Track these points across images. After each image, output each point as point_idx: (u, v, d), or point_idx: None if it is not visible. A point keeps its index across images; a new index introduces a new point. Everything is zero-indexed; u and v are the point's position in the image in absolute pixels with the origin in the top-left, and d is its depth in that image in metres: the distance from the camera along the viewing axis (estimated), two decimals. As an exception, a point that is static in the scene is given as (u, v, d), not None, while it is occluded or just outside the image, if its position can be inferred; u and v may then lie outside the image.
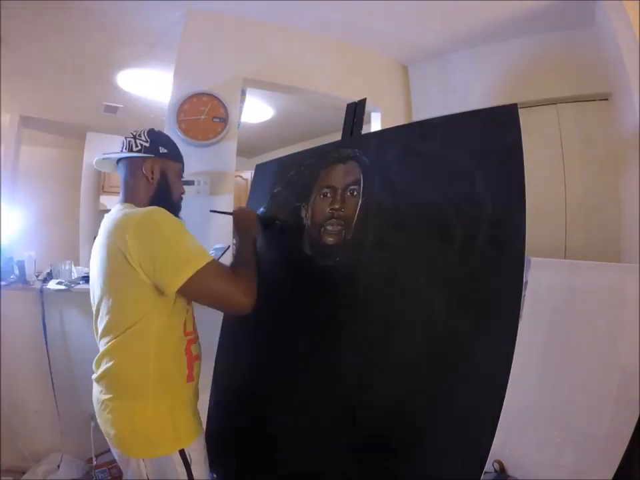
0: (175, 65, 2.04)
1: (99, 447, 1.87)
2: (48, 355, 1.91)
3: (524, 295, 1.01)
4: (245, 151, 4.45)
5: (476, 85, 2.32)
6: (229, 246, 1.12)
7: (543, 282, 1.48)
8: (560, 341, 1.43)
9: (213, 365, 1.37)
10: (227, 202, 2.00)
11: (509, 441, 1.35)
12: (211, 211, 1.35)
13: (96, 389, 0.98)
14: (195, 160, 1.83)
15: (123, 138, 1.05)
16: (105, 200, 4.01)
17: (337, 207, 1.11)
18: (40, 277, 2.12)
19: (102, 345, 0.95)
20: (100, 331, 0.95)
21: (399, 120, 2.48)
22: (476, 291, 0.81)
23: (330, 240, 1.11)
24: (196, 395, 1.04)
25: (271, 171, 1.45)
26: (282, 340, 1.19)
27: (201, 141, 1.94)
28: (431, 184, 0.93)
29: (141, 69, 2.68)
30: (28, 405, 1.93)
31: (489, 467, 1.46)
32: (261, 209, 1.32)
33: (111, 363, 0.92)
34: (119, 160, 1.06)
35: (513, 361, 0.71)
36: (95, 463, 1.86)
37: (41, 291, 1.90)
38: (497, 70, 2.26)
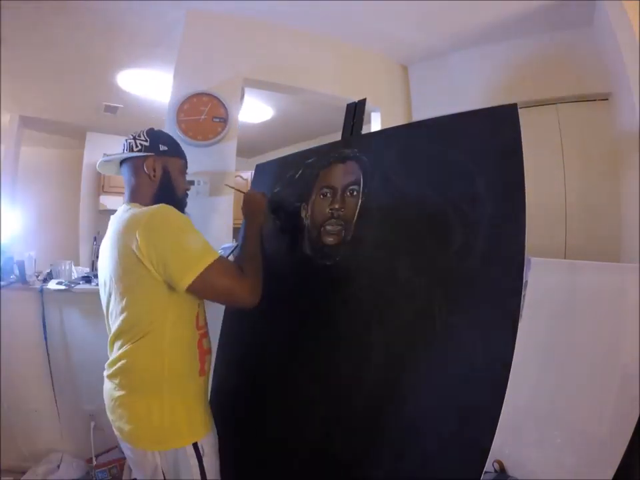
0: (175, 65, 2.04)
1: (98, 447, 1.87)
2: (48, 355, 1.91)
3: (524, 295, 1.01)
4: (244, 150, 4.45)
5: (476, 85, 2.31)
6: (237, 245, 1.13)
7: (543, 282, 1.48)
8: (560, 340, 1.43)
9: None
10: (227, 202, 2.00)
11: (508, 441, 1.35)
12: (225, 184, 1.42)
13: (109, 385, 0.98)
14: (194, 160, 1.81)
15: (124, 140, 1.07)
16: (104, 200, 4.00)
17: (336, 206, 1.11)
18: (40, 277, 2.13)
19: (117, 344, 0.96)
20: (114, 329, 0.96)
21: (399, 120, 2.48)
22: (476, 291, 0.81)
23: (330, 240, 1.11)
24: (207, 388, 1.06)
25: (271, 171, 1.45)
26: (281, 339, 1.19)
27: (201, 141, 1.94)
28: (431, 184, 0.93)
29: (141, 69, 2.68)
30: (28, 405, 1.93)
31: (489, 466, 1.46)
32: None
33: (125, 360, 0.93)
34: (122, 163, 1.07)
35: (513, 360, 0.71)
36: (94, 463, 1.86)
37: (41, 290, 1.90)
38: (497, 70, 2.26)
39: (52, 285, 1.97)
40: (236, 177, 2.49)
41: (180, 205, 1.05)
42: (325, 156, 1.21)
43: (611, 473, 1.14)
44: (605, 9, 1.75)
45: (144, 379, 0.94)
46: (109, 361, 0.99)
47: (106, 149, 3.87)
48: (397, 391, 0.89)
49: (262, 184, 1.45)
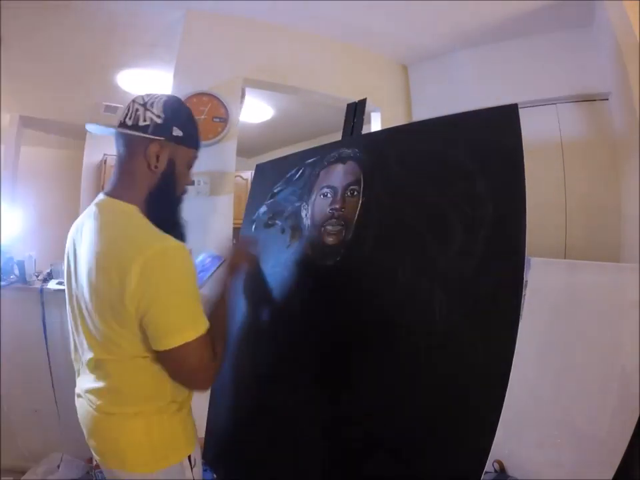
0: (175, 65, 2.05)
1: (99, 447, 1.87)
2: (48, 355, 1.91)
3: (524, 295, 1.01)
4: (244, 150, 4.45)
5: (476, 85, 2.32)
6: (223, 261, 1.06)
7: (543, 282, 1.48)
8: (560, 340, 1.43)
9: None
10: (227, 202, 2.00)
11: (508, 441, 1.35)
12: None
13: (87, 406, 0.84)
14: (194, 160, 1.83)
15: (130, 101, 0.81)
16: (104, 200, 4.00)
17: (337, 206, 1.10)
18: (40, 277, 2.13)
19: (96, 361, 0.81)
20: (87, 345, 0.82)
21: (399, 120, 2.48)
22: (476, 291, 0.81)
23: (330, 240, 1.11)
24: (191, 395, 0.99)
25: (271, 171, 1.45)
26: (281, 340, 1.19)
27: (201, 140, 1.93)
28: (431, 184, 0.93)
29: (141, 69, 2.68)
30: (28, 405, 1.93)
31: (489, 466, 1.46)
32: (262, 208, 1.31)
33: (109, 381, 0.81)
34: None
35: (513, 360, 0.71)
36: (95, 462, 1.86)
37: (41, 290, 1.90)
38: (497, 70, 2.26)
39: (52, 284, 1.97)
40: (236, 177, 2.49)
41: (174, 208, 0.87)
42: (326, 156, 1.21)
43: (611, 472, 1.14)
44: (605, 9, 1.75)
45: (138, 395, 0.82)
46: (84, 378, 0.85)
47: (106, 149, 3.88)
48: (396, 391, 0.89)
49: (262, 184, 1.45)
